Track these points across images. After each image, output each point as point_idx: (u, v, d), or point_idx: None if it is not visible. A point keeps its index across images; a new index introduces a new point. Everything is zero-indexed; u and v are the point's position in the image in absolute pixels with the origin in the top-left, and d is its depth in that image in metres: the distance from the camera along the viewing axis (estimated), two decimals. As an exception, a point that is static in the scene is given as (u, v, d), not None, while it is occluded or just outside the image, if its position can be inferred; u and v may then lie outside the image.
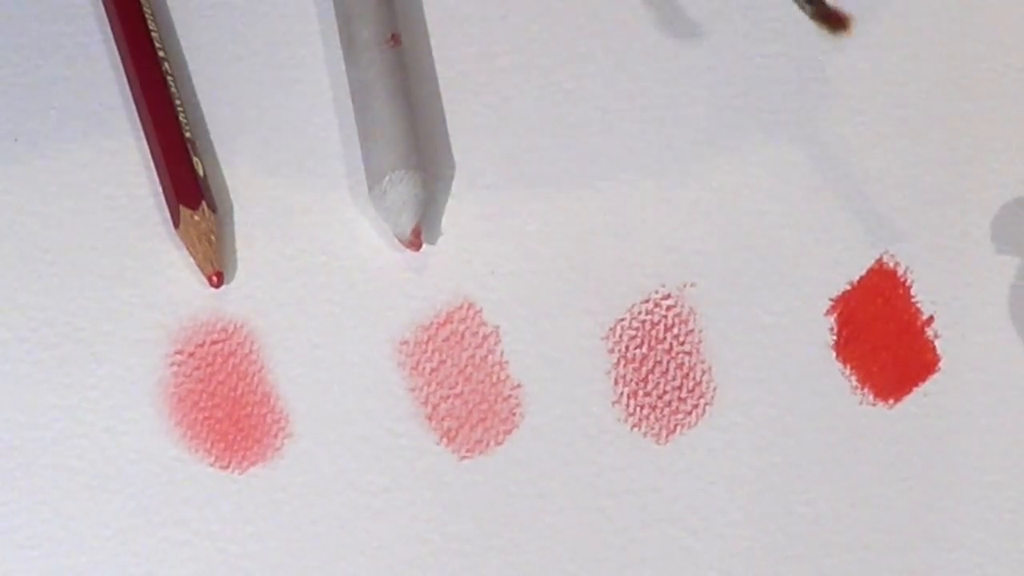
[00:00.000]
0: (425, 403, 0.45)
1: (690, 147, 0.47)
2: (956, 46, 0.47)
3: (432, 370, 0.45)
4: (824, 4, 0.40)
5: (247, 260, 0.46)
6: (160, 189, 0.45)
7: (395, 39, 0.46)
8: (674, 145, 0.47)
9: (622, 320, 0.45)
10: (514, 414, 0.45)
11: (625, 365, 0.45)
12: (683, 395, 0.45)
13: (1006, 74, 0.47)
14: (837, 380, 0.45)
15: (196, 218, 0.45)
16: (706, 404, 0.45)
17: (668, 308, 0.45)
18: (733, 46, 0.47)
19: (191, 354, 0.45)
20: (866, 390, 0.45)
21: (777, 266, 0.46)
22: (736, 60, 0.47)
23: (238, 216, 0.46)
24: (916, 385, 0.45)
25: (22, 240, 0.45)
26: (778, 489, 0.44)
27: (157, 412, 0.44)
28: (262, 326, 0.45)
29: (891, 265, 0.46)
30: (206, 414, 0.44)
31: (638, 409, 0.45)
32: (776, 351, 0.45)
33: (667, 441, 0.45)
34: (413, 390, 0.45)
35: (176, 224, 0.45)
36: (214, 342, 0.45)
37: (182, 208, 0.45)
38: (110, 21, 0.47)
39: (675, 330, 0.45)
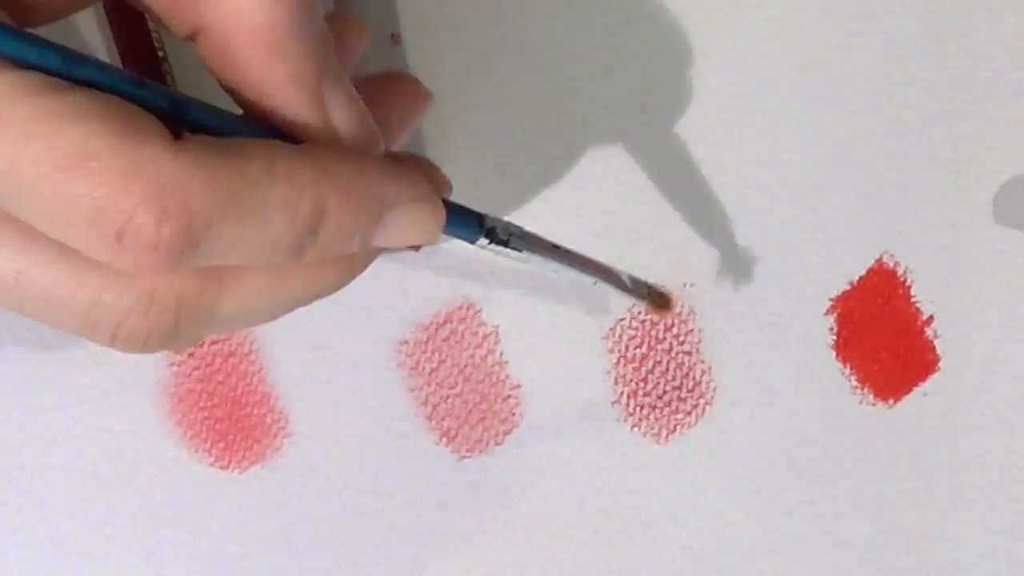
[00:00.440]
0: (425, 403, 0.45)
1: (690, 147, 0.47)
2: (956, 46, 0.47)
3: (432, 370, 0.45)
4: (653, 291, 0.43)
5: (247, 260, 0.46)
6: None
7: (395, 38, 0.46)
8: (674, 145, 0.47)
9: (622, 320, 0.45)
10: (514, 414, 0.45)
11: (625, 365, 0.45)
12: (683, 395, 0.45)
13: (1006, 74, 0.47)
14: (837, 380, 0.45)
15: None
16: (706, 404, 0.45)
17: (668, 308, 0.45)
18: (733, 46, 0.47)
19: (191, 354, 0.45)
20: (866, 390, 0.45)
21: (777, 266, 0.46)
22: (736, 60, 0.47)
23: (238, 216, 0.46)
24: (916, 385, 0.45)
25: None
26: (778, 489, 0.44)
27: (157, 412, 0.44)
28: (262, 326, 0.45)
29: (891, 265, 0.46)
30: (206, 414, 0.44)
31: (638, 409, 0.45)
32: (776, 351, 0.45)
33: (667, 441, 0.45)
34: (413, 390, 0.45)
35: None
36: (214, 342, 0.45)
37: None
38: (110, 22, 0.47)
39: (675, 330, 0.45)
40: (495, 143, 0.47)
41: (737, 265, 0.46)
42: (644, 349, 0.45)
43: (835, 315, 0.45)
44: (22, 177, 0.28)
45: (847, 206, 0.46)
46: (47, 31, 0.31)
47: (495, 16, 0.47)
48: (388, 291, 0.45)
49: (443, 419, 0.44)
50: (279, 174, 0.30)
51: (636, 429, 0.45)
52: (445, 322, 0.45)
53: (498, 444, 0.44)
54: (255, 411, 0.44)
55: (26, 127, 0.28)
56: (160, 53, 0.43)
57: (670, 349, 0.45)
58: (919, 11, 0.48)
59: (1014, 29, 0.47)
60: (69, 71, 0.29)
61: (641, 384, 0.45)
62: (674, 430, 0.45)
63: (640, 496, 0.44)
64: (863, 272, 0.46)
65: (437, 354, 0.45)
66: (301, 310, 0.45)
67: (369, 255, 0.33)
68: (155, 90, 0.30)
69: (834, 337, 0.45)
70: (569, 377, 0.45)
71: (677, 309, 0.45)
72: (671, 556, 0.44)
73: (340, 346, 0.45)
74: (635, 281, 0.42)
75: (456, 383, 0.45)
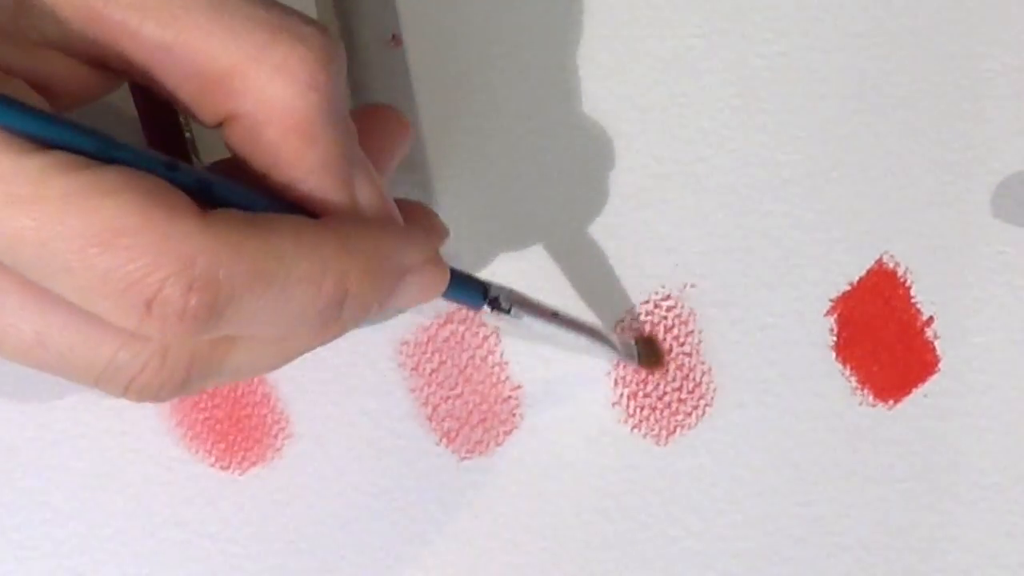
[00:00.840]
0: (425, 404, 0.45)
1: (690, 147, 0.47)
2: (956, 46, 0.47)
3: (432, 371, 0.45)
4: (649, 349, 0.45)
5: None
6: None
7: (395, 39, 0.46)
8: (674, 145, 0.47)
9: (622, 321, 0.45)
10: (514, 415, 0.45)
11: (625, 366, 0.45)
12: (683, 396, 0.45)
13: (1006, 74, 0.47)
14: (837, 381, 0.45)
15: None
16: (706, 405, 0.45)
17: (668, 309, 0.45)
18: (733, 46, 0.47)
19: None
20: (866, 391, 0.45)
21: (777, 266, 0.46)
22: (736, 60, 0.47)
23: (238, 216, 0.46)
24: (916, 386, 0.45)
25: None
26: (778, 490, 0.44)
27: (157, 412, 0.44)
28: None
29: (891, 265, 0.46)
30: (206, 414, 0.44)
31: (638, 410, 0.45)
32: (776, 352, 0.45)
33: (667, 442, 0.45)
34: (413, 391, 0.45)
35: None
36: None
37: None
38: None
39: (675, 331, 0.45)
40: (495, 143, 0.47)
41: (737, 265, 0.46)
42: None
43: (835, 316, 0.45)
44: (55, 252, 0.28)
45: (847, 206, 0.46)
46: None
47: (495, 16, 0.47)
48: (388, 292, 0.45)
49: (443, 420, 0.44)
50: (304, 248, 0.31)
51: (636, 430, 0.45)
52: (446, 323, 0.45)
53: (498, 445, 0.44)
54: (255, 411, 0.44)
55: (61, 203, 0.28)
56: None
57: (670, 350, 0.45)
58: (919, 11, 0.48)
59: (1014, 29, 0.47)
60: (103, 153, 0.29)
61: (641, 385, 0.45)
62: (674, 431, 0.45)
63: (640, 497, 0.44)
64: (863, 273, 0.46)
65: (438, 355, 0.45)
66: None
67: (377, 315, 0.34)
68: (184, 171, 0.30)
69: (834, 338, 0.45)
70: (569, 378, 0.45)
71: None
72: (671, 557, 0.44)
73: (341, 346, 0.45)
74: (626, 344, 0.44)
75: (457, 384, 0.45)
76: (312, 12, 0.47)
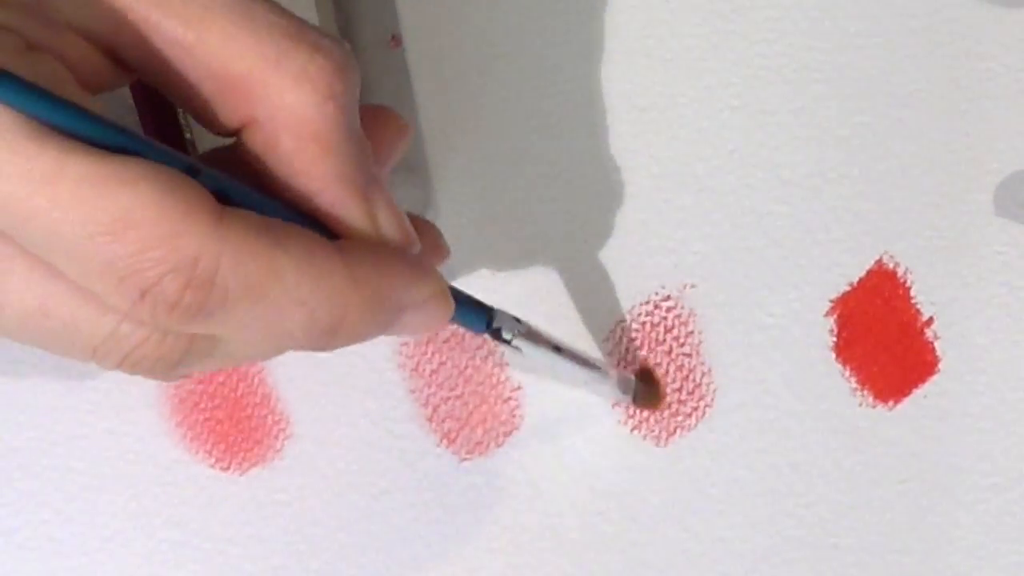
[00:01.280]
0: (425, 405, 0.45)
1: (690, 147, 0.47)
2: (956, 46, 0.47)
3: (432, 372, 0.45)
4: (648, 389, 0.45)
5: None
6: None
7: (395, 40, 0.46)
8: (674, 145, 0.47)
9: (622, 322, 0.45)
10: (514, 416, 0.45)
11: (625, 367, 0.45)
12: (683, 397, 0.45)
13: (1006, 74, 0.47)
14: (837, 382, 0.45)
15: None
16: (706, 406, 0.45)
17: (668, 309, 0.45)
18: (733, 46, 0.47)
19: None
20: (866, 392, 0.45)
21: (777, 267, 0.46)
22: (736, 60, 0.47)
23: (238, 217, 0.46)
24: (916, 387, 0.45)
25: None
26: (778, 491, 0.44)
27: (158, 413, 0.44)
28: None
29: (891, 266, 0.46)
30: (207, 415, 0.44)
31: (638, 411, 0.45)
32: (776, 353, 0.45)
33: (667, 444, 0.45)
34: (413, 392, 0.45)
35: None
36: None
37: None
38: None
39: (675, 332, 0.45)
40: (495, 143, 0.47)
41: (737, 266, 0.46)
42: (644, 351, 0.45)
43: (835, 316, 0.45)
44: (64, 235, 0.28)
45: (847, 206, 0.46)
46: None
47: (495, 17, 0.47)
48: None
49: (443, 421, 0.44)
50: (309, 272, 0.31)
51: (636, 431, 0.45)
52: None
53: (498, 446, 0.44)
54: (255, 412, 0.44)
55: (77, 187, 0.28)
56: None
57: (670, 351, 0.45)
58: (919, 11, 0.48)
59: (1014, 29, 0.47)
60: (126, 147, 0.29)
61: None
62: (674, 432, 0.45)
63: (640, 498, 0.44)
64: (863, 273, 0.46)
65: (438, 356, 0.45)
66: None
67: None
68: (205, 175, 0.30)
69: (834, 339, 0.45)
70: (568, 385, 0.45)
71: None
72: (671, 558, 0.44)
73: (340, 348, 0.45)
74: (625, 381, 0.44)
75: (457, 385, 0.45)
76: (312, 12, 0.47)
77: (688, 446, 0.44)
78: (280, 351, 0.33)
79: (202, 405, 0.44)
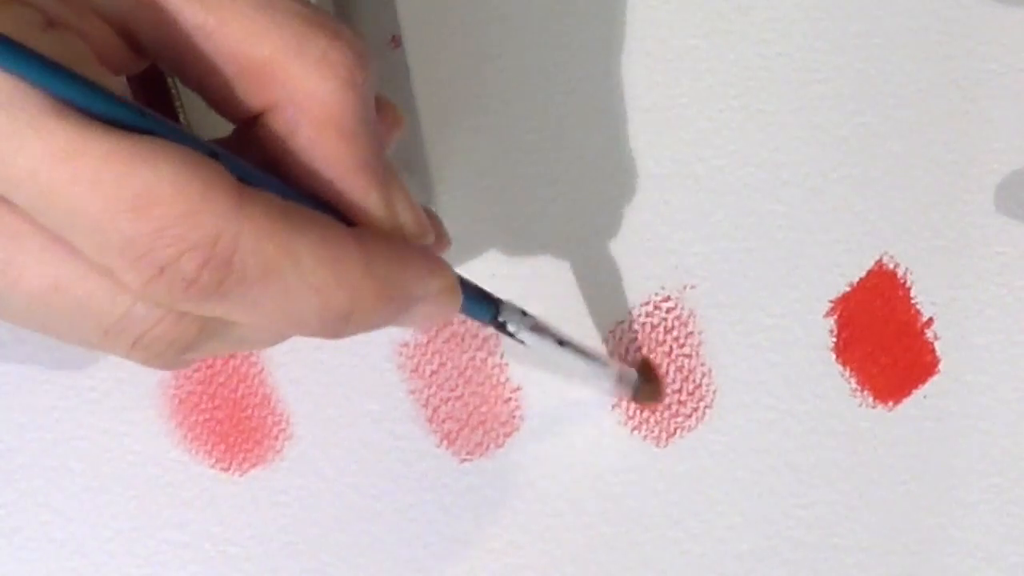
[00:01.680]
0: (425, 405, 0.45)
1: (689, 148, 0.47)
2: (956, 46, 0.47)
3: (432, 372, 0.45)
4: (644, 386, 0.45)
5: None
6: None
7: (396, 40, 0.46)
8: (673, 146, 0.47)
9: (622, 323, 0.45)
10: (514, 417, 0.45)
11: (625, 368, 0.45)
12: (683, 398, 0.45)
13: (1006, 74, 0.47)
14: (837, 382, 0.45)
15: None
16: (706, 407, 0.45)
17: (668, 310, 0.45)
18: (733, 46, 0.47)
19: (191, 356, 0.45)
20: (866, 392, 0.45)
21: (777, 267, 0.46)
22: (736, 60, 0.47)
23: (238, 217, 0.46)
24: (916, 387, 0.45)
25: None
26: (778, 492, 0.44)
27: (158, 414, 0.44)
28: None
29: (891, 266, 0.46)
30: (207, 416, 0.44)
31: (638, 412, 0.45)
32: (776, 353, 0.45)
33: (667, 444, 0.45)
34: (413, 392, 0.45)
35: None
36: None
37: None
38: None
39: (675, 332, 0.45)
40: (495, 143, 0.47)
41: (737, 266, 0.46)
42: (644, 352, 0.45)
43: (835, 317, 0.45)
44: (84, 211, 0.28)
45: (847, 206, 0.46)
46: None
47: (495, 17, 0.47)
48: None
49: (443, 422, 0.44)
50: (326, 258, 0.30)
51: (636, 432, 0.45)
52: (445, 324, 0.45)
53: (498, 447, 0.44)
54: (256, 413, 0.44)
55: (99, 163, 0.28)
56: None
57: (670, 352, 0.45)
58: (919, 11, 0.48)
59: (1014, 29, 0.47)
60: (149, 129, 0.29)
61: (641, 387, 0.45)
62: (674, 433, 0.45)
63: (640, 499, 0.44)
64: (863, 274, 0.46)
65: (437, 356, 0.45)
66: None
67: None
68: (224, 158, 0.30)
69: (834, 339, 0.45)
70: (570, 380, 0.45)
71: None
72: (671, 559, 0.44)
73: (340, 348, 0.45)
74: (627, 376, 0.44)
75: (456, 385, 0.45)
76: (312, 13, 0.47)
77: (688, 446, 0.44)
78: (289, 336, 0.33)
79: (202, 405, 0.44)
